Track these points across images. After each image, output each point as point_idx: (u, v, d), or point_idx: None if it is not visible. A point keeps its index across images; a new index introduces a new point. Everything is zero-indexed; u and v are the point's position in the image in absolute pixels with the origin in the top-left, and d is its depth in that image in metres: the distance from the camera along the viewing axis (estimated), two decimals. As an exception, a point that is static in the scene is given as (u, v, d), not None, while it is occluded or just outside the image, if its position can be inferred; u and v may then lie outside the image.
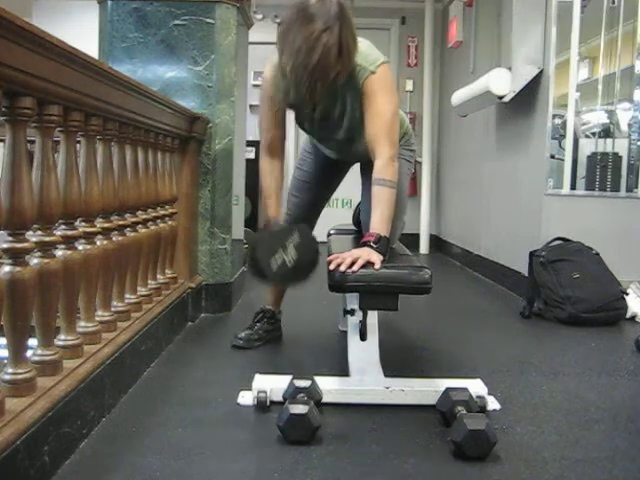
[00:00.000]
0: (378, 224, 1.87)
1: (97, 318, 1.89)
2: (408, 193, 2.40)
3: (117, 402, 1.85)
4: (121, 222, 2.05)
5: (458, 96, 4.56)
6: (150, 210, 2.40)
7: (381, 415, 1.83)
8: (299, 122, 2.15)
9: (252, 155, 6.05)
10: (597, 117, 3.81)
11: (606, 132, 3.74)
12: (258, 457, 1.56)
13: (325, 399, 1.84)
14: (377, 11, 6.15)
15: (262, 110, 2.16)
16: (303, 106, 1.96)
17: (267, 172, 2.17)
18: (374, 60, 1.96)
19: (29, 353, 1.46)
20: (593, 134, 3.79)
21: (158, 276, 2.54)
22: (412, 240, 5.06)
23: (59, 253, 1.57)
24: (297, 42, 1.78)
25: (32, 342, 1.47)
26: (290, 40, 1.80)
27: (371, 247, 1.81)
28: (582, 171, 3.69)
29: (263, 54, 6.02)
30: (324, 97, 1.92)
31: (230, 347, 2.48)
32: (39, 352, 1.52)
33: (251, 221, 5.71)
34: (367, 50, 1.98)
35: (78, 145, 1.73)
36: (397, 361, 2.28)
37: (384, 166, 1.92)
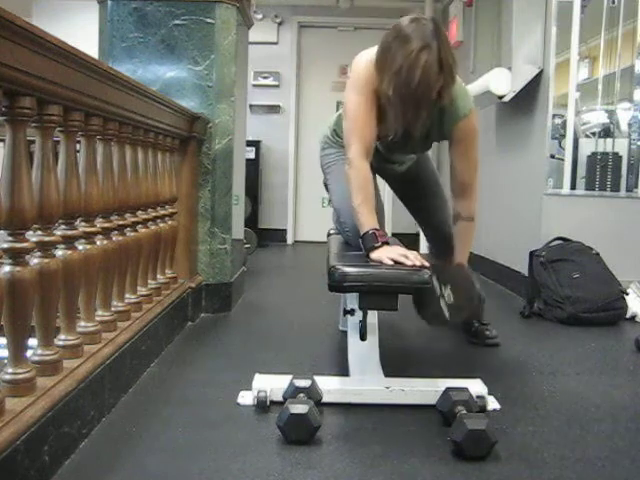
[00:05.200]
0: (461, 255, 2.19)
1: (97, 318, 1.89)
2: None
3: (117, 402, 1.85)
4: (121, 222, 2.05)
5: (458, 96, 4.56)
6: (150, 210, 2.40)
7: (381, 415, 1.83)
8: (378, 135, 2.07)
9: (252, 155, 6.07)
10: (597, 117, 3.80)
11: (606, 132, 3.74)
12: (258, 457, 1.55)
13: (325, 399, 1.84)
14: (377, 11, 6.12)
15: (358, 107, 1.99)
16: (403, 129, 1.95)
17: (365, 181, 1.96)
18: (469, 102, 2.04)
19: (29, 353, 1.46)
20: (593, 134, 3.79)
21: (158, 276, 2.54)
22: (412, 240, 5.05)
23: (59, 253, 1.57)
24: (397, 63, 1.78)
25: (32, 342, 1.47)
26: (389, 63, 1.81)
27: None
28: (582, 171, 3.69)
29: (263, 54, 6.18)
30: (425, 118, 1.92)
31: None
32: (39, 352, 1.52)
33: (251, 221, 5.72)
34: (463, 87, 2.06)
35: (78, 145, 1.73)
36: (397, 361, 2.28)
37: (470, 207, 2.15)
